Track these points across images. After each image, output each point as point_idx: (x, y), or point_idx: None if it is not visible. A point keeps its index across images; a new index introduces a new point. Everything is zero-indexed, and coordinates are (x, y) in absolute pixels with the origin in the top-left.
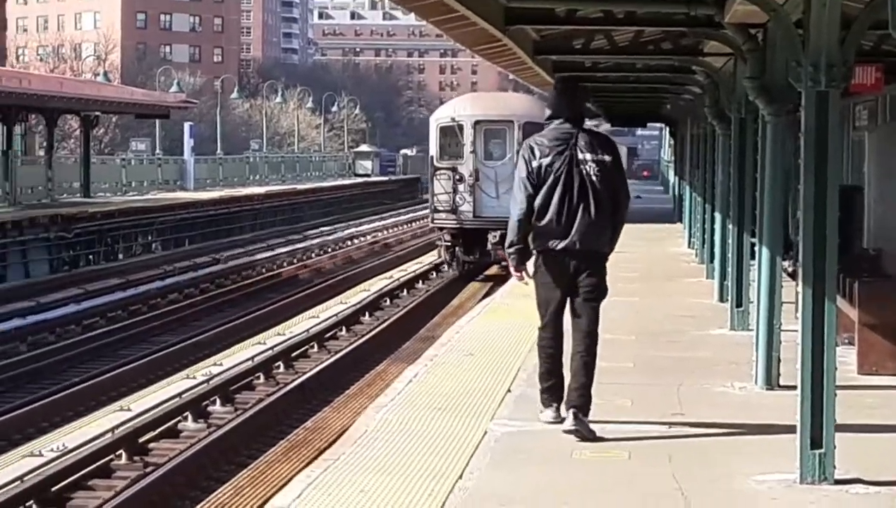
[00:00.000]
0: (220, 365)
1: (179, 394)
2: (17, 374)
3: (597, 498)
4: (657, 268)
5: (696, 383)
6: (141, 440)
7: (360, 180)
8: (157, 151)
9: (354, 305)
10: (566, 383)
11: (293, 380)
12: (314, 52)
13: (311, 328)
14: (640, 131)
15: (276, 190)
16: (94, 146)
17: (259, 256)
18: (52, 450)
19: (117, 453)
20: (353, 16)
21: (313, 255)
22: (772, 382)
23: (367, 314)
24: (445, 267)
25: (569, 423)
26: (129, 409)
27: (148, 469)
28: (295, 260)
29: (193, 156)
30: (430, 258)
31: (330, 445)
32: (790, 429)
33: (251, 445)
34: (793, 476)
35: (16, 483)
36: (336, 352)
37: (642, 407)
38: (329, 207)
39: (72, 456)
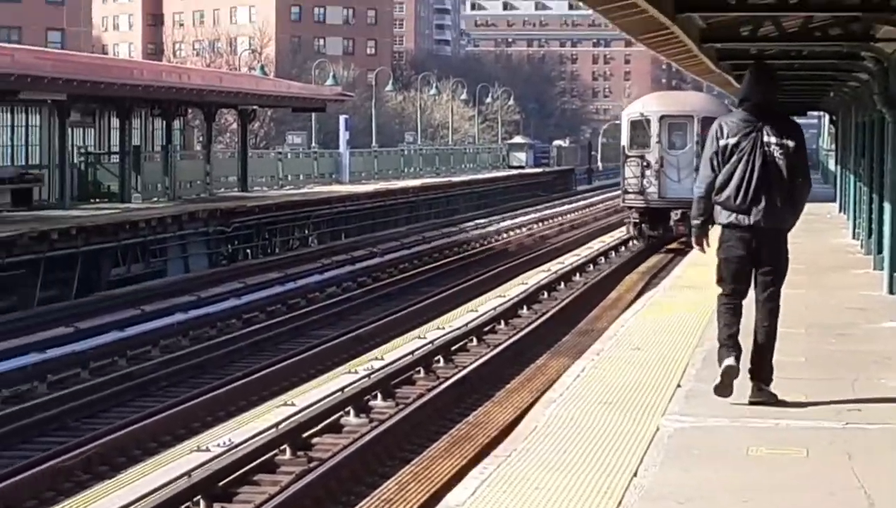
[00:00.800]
0: (381, 359)
1: (341, 389)
2: (180, 369)
3: (777, 497)
4: (822, 260)
5: (872, 378)
6: (304, 435)
7: (514, 172)
8: (313, 144)
9: (513, 298)
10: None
11: (453, 374)
12: (467, 44)
13: (470, 322)
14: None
15: (431, 182)
16: (249, 140)
17: (415, 249)
18: (218, 445)
19: (281, 448)
20: (505, 6)
21: (470, 248)
22: None
23: (525, 307)
24: (633, 241)
25: (752, 395)
26: (292, 404)
27: (312, 465)
28: (451, 253)
29: (349, 149)
30: (587, 251)
31: (492, 441)
32: None
33: (413, 440)
34: None
35: (183, 479)
36: (495, 346)
37: (818, 402)
38: (484, 199)
39: (238, 451)
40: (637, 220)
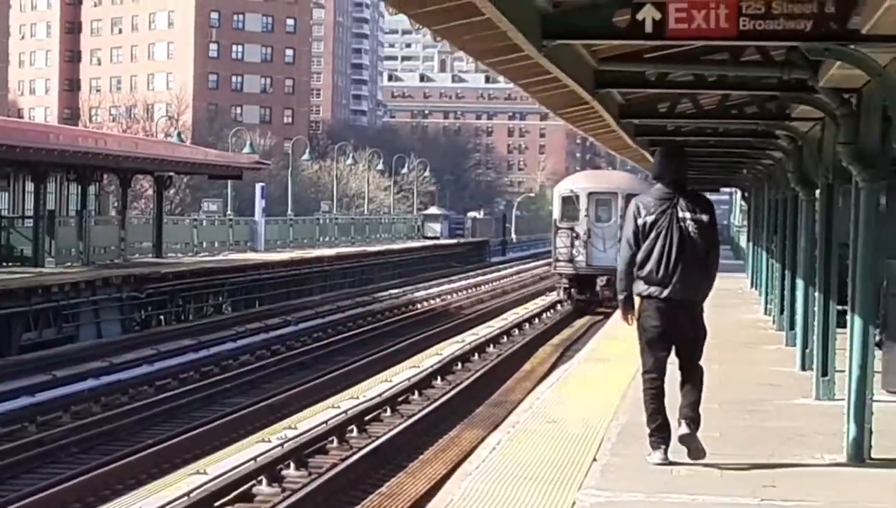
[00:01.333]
0: (294, 428)
1: (254, 458)
2: (91, 435)
3: None
4: (735, 335)
5: (786, 454)
6: (216, 504)
7: (428, 243)
8: (228, 212)
9: (426, 369)
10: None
11: (367, 445)
12: (383, 114)
13: (384, 392)
14: (708, 196)
15: (346, 251)
16: (165, 206)
17: (329, 318)
18: None
19: None
20: (422, 78)
21: (384, 318)
22: (863, 455)
23: (439, 378)
24: (561, 305)
25: (683, 430)
26: (204, 472)
27: None
28: (365, 323)
29: (264, 217)
30: (501, 323)
31: None
32: (887, 507)
33: None
34: None
35: None
36: (409, 417)
37: (733, 479)
38: (398, 269)
39: None
40: (567, 285)
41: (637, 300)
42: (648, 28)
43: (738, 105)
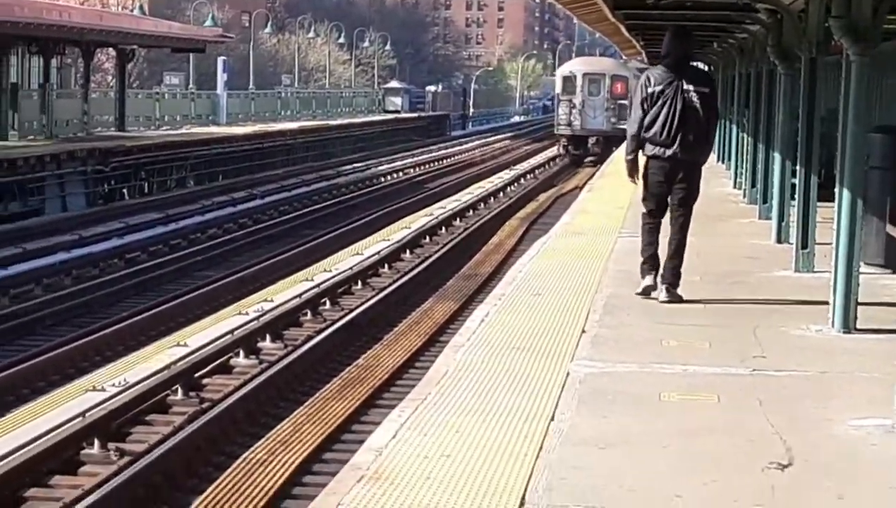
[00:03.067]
0: (270, 300)
1: (231, 331)
2: (66, 307)
3: (696, 443)
4: (708, 209)
5: (772, 325)
6: (198, 374)
7: (390, 117)
8: (190, 86)
9: (396, 242)
10: (661, 260)
11: (341, 317)
12: None
13: (355, 265)
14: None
15: (308, 125)
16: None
17: (295, 192)
18: (112, 385)
19: (174, 388)
20: None
21: (349, 192)
22: (849, 325)
23: (408, 251)
24: (559, 159)
25: (663, 295)
26: (185, 344)
27: (205, 405)
28: (331, 197)
29: (226, 90)
30: (466, 197)
31: (384, 383)
32: (877, 375)
33: (304, 382)
34: (889, 422)
35: (79, 419)
36: (381, 290)
37: (722, 350)
38: (361, 143)
39: (132, 391)
40: (565, 143)
41: (642, 159)
42: None
43: None
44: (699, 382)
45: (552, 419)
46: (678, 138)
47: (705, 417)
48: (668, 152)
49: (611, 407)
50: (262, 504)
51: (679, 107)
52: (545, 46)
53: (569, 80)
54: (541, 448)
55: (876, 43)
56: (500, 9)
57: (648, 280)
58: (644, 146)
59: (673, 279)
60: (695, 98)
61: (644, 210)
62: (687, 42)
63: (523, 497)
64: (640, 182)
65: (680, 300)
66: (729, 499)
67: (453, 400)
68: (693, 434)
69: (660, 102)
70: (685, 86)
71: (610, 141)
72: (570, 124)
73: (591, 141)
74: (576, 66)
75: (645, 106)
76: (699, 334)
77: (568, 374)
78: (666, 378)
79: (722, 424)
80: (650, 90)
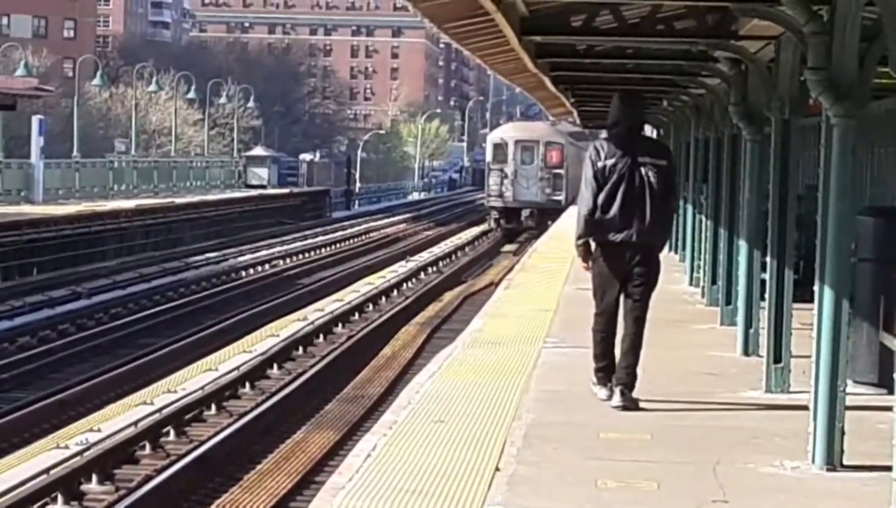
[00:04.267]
0: (98, 430)
1: (47, 471)
2: None
3: None
4: (659, 313)
5: (736, 461)
6: None
7: (253, 193)
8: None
9: (260, 355)
10: (617, 362)
11: (189, 452)
12: (191, 27)
13: (207, 384)
14: (603, 134)
15: (149, 204)
16: None
17: (130, 289)
18: None
19: None
20: None
21: (199, 289)
22: (833, 461)
23: (275, 366)
24: (490, 234)
25: (616, 400)
26: None
27: None
28: (176, 296)
29: (43, 159)
30: (351, 295)
31: None
32: None
33: None
34: None
35: None
36: (241, 415)
37: (674, 493)
38: (215, 227)
39: None
40: (497, 216)
41: (594, 244)
42: None
43: (669, 18)
44: None
45: None
46: (634, 221)
47: None
48: (622, 237)
49: None
50: None
51: (636, 184)
52: (452, 103)
53: (499, 148)
54: None
55: (864, 102)
56: (395, 56)
57: (604, 392)
58: (596, 229)
59: (628, 380)
60: (651, 174)
61: (595, 309)
62: (638, 107)
63: None
64: (592, 271)
65: (636, 405)
66: None
67: None
68: None
69: (613, 179)
70: (640, 159)
71: (544, 213)
72: (501, 195)
73: (525, 213)
74: (508, 131)
75: (596, 181)
76: (645, 472)
77: None
78: None
79: None
80: (600, 164)
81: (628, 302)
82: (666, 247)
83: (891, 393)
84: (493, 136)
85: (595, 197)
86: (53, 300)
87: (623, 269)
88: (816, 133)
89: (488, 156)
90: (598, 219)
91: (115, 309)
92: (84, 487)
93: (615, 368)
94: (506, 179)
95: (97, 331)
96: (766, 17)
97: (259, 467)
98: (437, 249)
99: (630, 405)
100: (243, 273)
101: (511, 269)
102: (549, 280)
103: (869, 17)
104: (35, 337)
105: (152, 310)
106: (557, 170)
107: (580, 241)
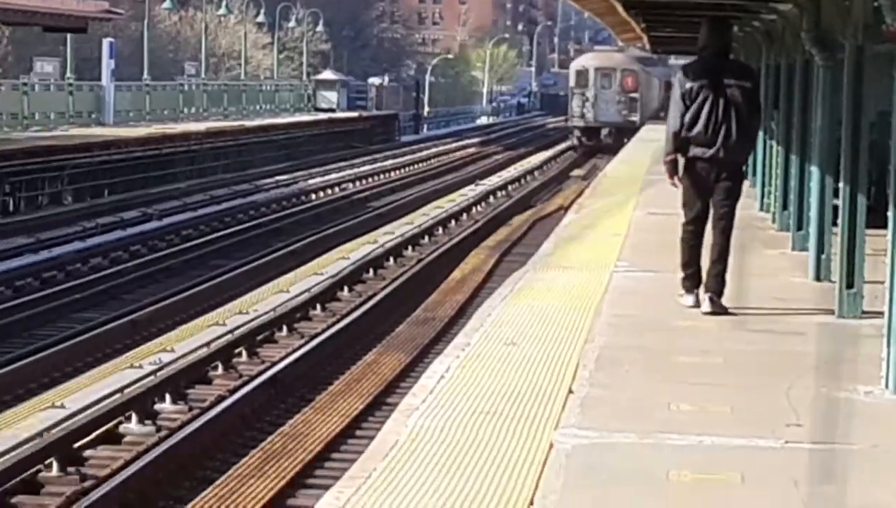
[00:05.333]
0: (172, 351)
1: (121, 389)
2: None
3: None
4: None
5: (809, 386)
6: (76, 445)
7: (322, 116)
8: (68, 75)
9: (331, 277)
10: (703, 271)
11: (260, 373)
12: None
13: (278, 306)
14: (673, 60)
15: (218, 126)
16: None
17: (201, 211)
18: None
19: (47, 463)
20: None
21: (270, 211)
22: None
23: (346, 288)
24: (560, 158)
25: (706, 306)
26: (62, 406)
27: (86, 485)
28: (247, 218)
29: (114, 81)
30: (421, 218)
31: (315, 457)
32: None
33: (214, 456)
34: None
35: None
36: (311, 337)
37: (747, 416)
38: (285, 150)
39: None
40: (579, 134)
41: (681, 160)
42: None
43: None
44: (717, 458)
45: (531, 503)
46: (720, 137)
47: (725, 503)
48: (710, 152)
49: (606, 489)
50: None
51: (721, 103)
52: (519, 28)
53: (581, 74)
54: None
55: None
56: None
57: (691, 299)
58: (683, 147)
59: (717, 287)
60: (737, 94)
61: (683, 219)
62: (726, 33)
63: None
64: (680, 186)
65: (725, 311)
66: None
67: (404, 479)
68: None
69: (699, 99)
70: (726, 80)
71: (622, 132)
72: (583, 116)
73: (604, 132)
74: (588, 60)
75: (683, 101)
76: (718, 396)
77: (551, 446)
78: (676, 452)
79: None
80: (688, 85)
81: (716, 214)
82: None
83: None
84: (576, 64)
85: (682, 116)
86: (125, 221)
87: (710, 183)
88: (891, 60)
89: (571, 82)
90: (685, 136)
91: (185, 231)
92: (157, 406)
93: (701, 277)
94: (587, 102)
95: (168, 253)
96: None
97: (330, 388)
98: (506, 173)
99: (719, 310)
100: (313, 196)
101: (580, 194)
102: (619, 204)
103: None
104: (107, 258)
105: (223, 232)
106: (633, 95)
107: (669, 158)
